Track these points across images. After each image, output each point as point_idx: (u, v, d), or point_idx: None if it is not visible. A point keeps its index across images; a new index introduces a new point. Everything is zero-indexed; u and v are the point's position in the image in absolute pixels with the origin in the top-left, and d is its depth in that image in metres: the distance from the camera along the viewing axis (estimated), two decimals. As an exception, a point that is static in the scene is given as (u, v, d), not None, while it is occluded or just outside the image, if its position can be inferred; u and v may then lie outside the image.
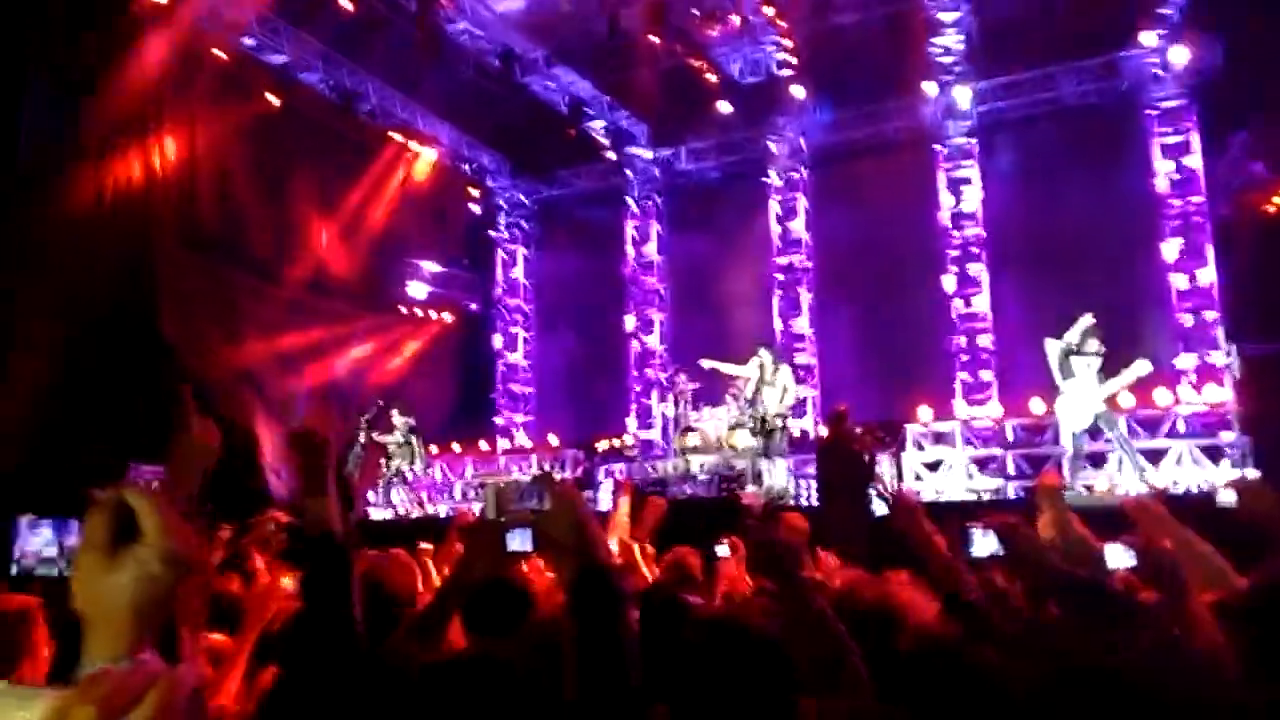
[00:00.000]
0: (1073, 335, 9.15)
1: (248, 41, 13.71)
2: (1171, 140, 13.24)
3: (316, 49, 14.30)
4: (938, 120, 14.61)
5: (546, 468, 13.92)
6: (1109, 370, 9.08)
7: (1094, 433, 9.44)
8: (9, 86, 11.25)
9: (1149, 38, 12.78)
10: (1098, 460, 10.17)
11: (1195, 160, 13.03)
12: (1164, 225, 13.07)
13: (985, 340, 13.91)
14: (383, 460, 13.19)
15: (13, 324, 11.03)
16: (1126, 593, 2.78)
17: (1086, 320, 9.16)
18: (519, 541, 2.40)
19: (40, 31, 11.19)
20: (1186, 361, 12.37)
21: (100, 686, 0.85)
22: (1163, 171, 13.19)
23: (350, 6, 13.49)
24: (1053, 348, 9.16)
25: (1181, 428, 10.69)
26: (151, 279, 12.85)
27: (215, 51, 13.39)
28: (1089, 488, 9.45)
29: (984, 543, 2.85)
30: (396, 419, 12.94)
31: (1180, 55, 12.79)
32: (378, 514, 12.49)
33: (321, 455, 2.22)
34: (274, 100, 14.25)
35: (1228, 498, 3.41)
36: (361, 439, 12.62)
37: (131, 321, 12.40)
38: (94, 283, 11.84)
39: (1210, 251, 12.72)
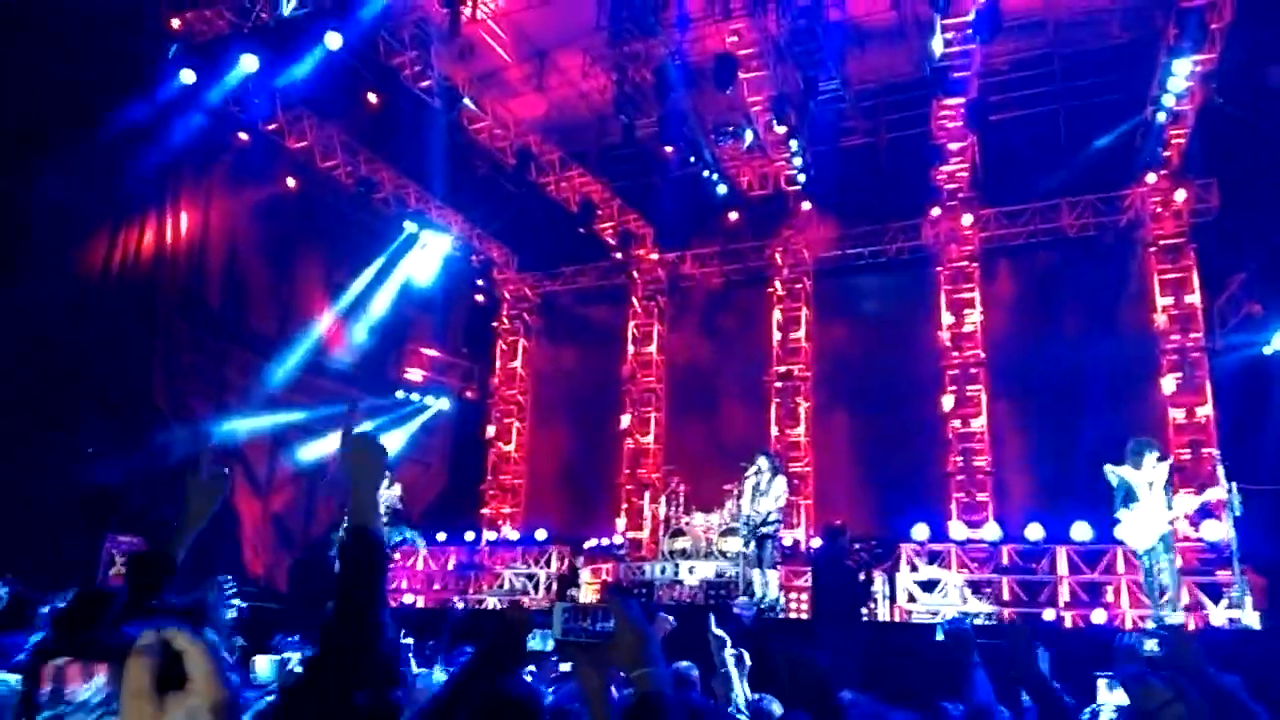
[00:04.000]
0: (1132, 456, 8.86)
1: (271, 126, 14.03)
2: (1171, 276, 13.47)
3: (338, 136, 14.63)
4: (940, 242, 14.89)
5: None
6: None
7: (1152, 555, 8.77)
8: (33, 153, 11.47)
9: (1150, 177, 13.15)
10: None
11: (1195, 297, 13.23)
12: (1162, 360, 13.18)
13: (982, 461, 13.85)
14: None
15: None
16: None
17: (1136, 443, 8.98)
18: (538, 642, 2.34)
19: (64, 102, 11.43)
20: (1186, 500, 12.26)
21: None
22: (1162, 306, 13.38)
23: (375, 100, 13.90)
24: (1112, 473, 8.91)
25: (1179, 563, 10.53)
26: (149, 349, 12.90)
27: (239, 134, 13.73)
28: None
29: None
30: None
31: (1180, 195, 13.15)
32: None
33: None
34: (291, 184, 14.54)
35: (1153, 647, 3.42)
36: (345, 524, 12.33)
37: (127, 389, 12.39)
38: (93, 348, 11.89)
39: (1209, 388, 12.80)
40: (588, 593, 12.68)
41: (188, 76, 12.38)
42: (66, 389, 11.52)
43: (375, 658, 2.06)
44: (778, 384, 15.71)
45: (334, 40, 11.86)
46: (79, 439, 11.60)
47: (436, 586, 14.33)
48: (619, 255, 16.96)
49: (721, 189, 15.05)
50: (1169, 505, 8.60)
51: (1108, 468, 8.89)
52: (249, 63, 12.21)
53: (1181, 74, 11.60)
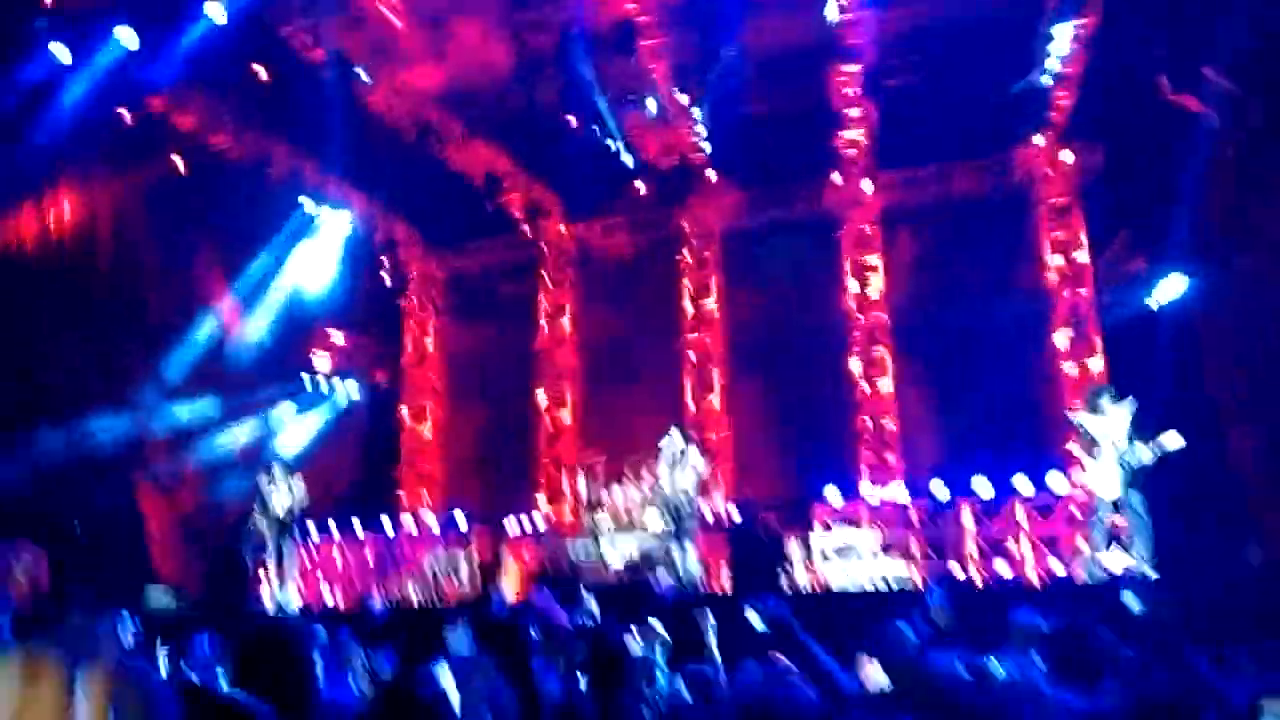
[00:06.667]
0: (1089, 404, 9.08)
1: (155, 103, 13.35)
2: (1061, 235, 14.01)
3: (227, 113, 14.01)
4: (842, 208, 15.14)
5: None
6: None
7: (1119, 505, 8.82)
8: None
9: (1038, 139, 13.59)
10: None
11: (1083, 255, 13.80)
12: (1054, 316, 13.73)
13: (889, 421, 14.23)
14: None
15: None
16: None
17: (1091, 391, 9.23)
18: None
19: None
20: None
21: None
22: (1053, 265, 13.92)
23: (265, 74, 13.34)
24: (1076, 418, 9.10)
25: (1075, 513, 11.08)
26: (36, 344, 12.26)
27: (120, 111, 13.03)
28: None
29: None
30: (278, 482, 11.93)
31: (1067, 157, 13.64)
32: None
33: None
34: (179, 163, 13.90)
35: (1130, 602, 3.58)
36: (255, 518, 11.86)
37: (12, 389, 11.78)
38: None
39: (1098, 342, 13.40)
40: (512, 578, 12.62)
41: (61, 52, 11.70)
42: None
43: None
44: (691, 353, 15.83)
45: (216, 12, 11.38)
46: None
47: (354, 579, 14.06)
48: (526, 228, 16.76)
49: (627, 159, 14.97)
50: (1132, 449, 8.43)
51: (1073, 415, 9.02)
52: (127, 36, 11.61)
53: (1064, 38, 11.97)
